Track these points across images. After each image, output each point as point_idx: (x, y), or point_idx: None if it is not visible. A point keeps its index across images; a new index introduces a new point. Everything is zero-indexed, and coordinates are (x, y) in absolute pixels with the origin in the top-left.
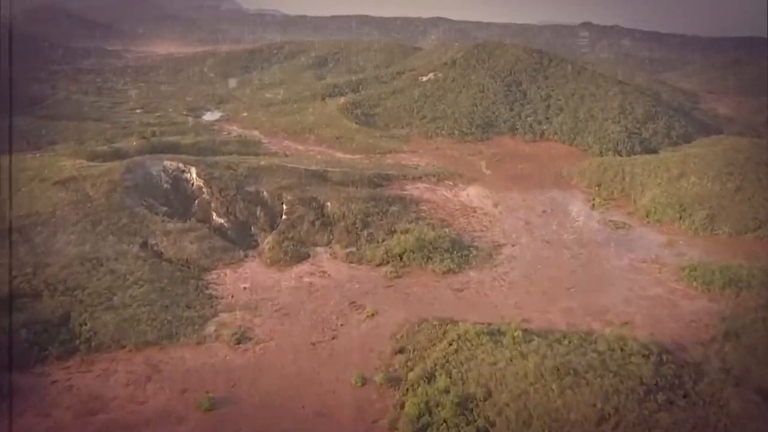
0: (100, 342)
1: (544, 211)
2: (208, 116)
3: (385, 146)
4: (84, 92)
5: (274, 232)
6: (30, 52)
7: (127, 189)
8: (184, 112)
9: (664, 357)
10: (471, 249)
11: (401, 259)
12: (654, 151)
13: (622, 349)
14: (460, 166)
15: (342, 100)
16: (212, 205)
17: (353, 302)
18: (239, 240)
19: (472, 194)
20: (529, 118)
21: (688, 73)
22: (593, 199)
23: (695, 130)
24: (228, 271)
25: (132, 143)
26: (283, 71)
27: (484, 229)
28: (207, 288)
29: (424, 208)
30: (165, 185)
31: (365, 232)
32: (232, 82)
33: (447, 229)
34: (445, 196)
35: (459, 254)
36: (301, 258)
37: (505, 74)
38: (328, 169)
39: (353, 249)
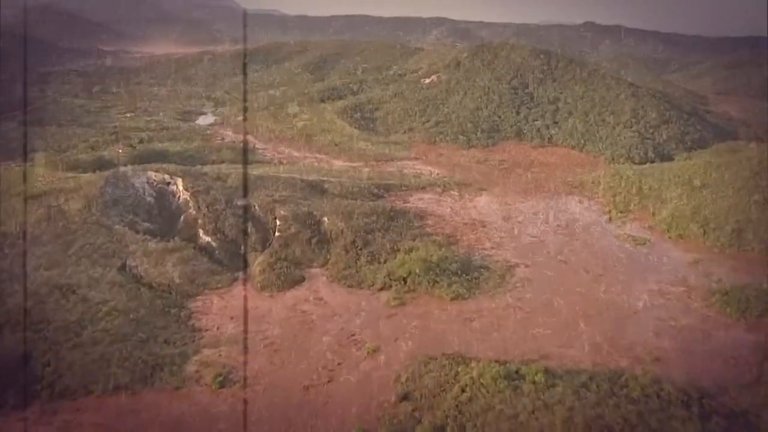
0: (65, 387)
1: (558, 226)
2: (202, 120)
3: (386, 153)
4: (74, 95)
5: (265, 251)
6: (21, 53)
7: (107, 204)
8: (177, 116)
9: (706, 404)
10: (482, 270)
11: (405, 282)
12: (668, 158)
13: (658, 395)
14: (466, 175)
15: (341, 103)
16: (199, 221)
17: (352, 335)
18: (228, 261)
19: (481, 206)
20: (536, 122)
21: (693, 74)
22: (609, 212)
23: (710, 134)
24: (214, 298)
25: (118, 151)
26: (280, 73)
27: (495, 246)
28: (190, 319)
29: (430, 222)
30: (149, 199)
31: (366, 251)
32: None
33: (455, 247)
34: (452, 208)
35: (469, 277)
36: (296, 282)
37: (511, 76)
38: (325, 179)
39: (353, 271)
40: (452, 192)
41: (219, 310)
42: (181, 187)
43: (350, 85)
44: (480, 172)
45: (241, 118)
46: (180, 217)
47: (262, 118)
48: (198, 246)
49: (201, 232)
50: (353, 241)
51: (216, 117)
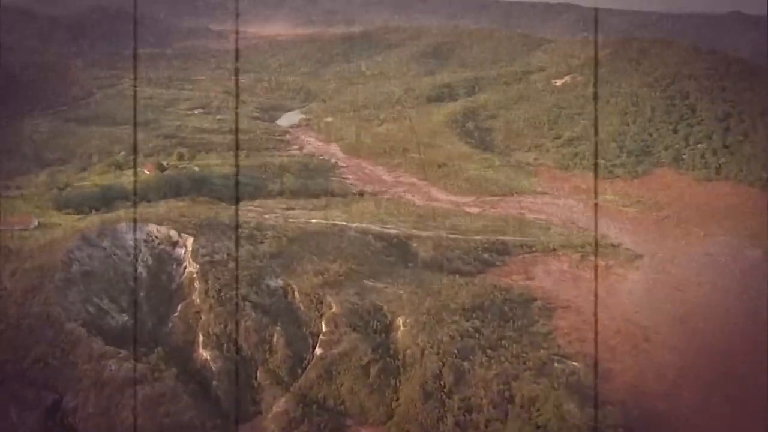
0: None
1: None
2: (284, 120)
3: (504, 183)
4: (149, 82)
5: (293, 387)
6: (115, 34)
7: (70, 280)
8: (256, 113)
9: None
10: None
11: None
12: None
13: None
14: (611, 226)
15: (451, 106)
16: (202, 317)
17: None
18: (229, 401)
19: (638, 290)
20: (700, 146)
21: None
22: None
23: None
24: None
25: (145, 172)
26: (387, 62)
27: (672, 390)
28: None
29: (563, 324)
30: (139, 270)
31: (456, 399)
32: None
33: (607, 390)
34: (596, 292)
35: None
36: None
37: (666, 82)
38: (415, 233)
39: None
40: (593, 260)
41: None
42: (189, 254)
43: (464, 83)
44: (630, 220)
45: (330, 119)
46: (177, 306)
47: (354, 121)
48: (188, 368)
49: (201, 339)
50: (438, 374)
51: (303, 115)
